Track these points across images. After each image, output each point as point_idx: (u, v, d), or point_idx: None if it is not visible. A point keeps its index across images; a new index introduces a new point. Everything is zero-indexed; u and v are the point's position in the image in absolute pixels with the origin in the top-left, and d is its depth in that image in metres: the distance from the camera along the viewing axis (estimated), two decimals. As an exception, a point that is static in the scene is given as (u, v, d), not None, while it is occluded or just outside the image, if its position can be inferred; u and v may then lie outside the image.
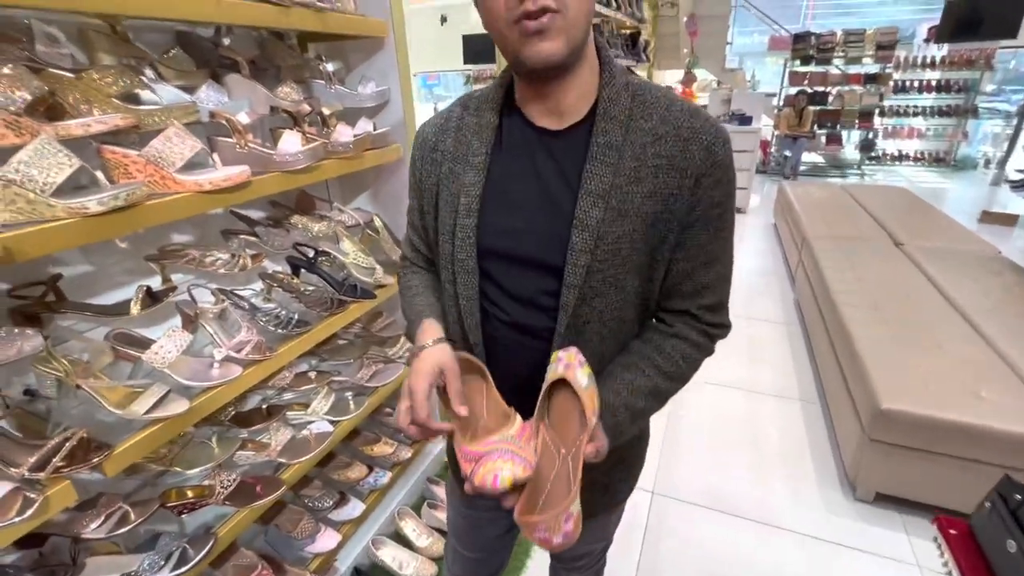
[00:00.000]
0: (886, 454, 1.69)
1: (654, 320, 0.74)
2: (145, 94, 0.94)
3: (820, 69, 7.42)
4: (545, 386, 0.64)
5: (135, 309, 1.00)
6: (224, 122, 1.02)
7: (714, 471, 1.98)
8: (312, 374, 1.47)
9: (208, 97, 1.04)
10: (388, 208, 1.62)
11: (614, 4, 3.67)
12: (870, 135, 7.76)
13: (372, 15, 1.35)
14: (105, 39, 0.96)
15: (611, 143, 0.62)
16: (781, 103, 7.54)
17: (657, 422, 2.20)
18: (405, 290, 0.86)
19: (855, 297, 2.37)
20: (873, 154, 7.89)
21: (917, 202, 4.05)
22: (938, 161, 7.76)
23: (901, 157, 7.90)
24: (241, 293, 1.26)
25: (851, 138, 7.96)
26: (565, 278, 0.64)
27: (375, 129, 1.38)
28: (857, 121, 7.42)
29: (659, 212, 0.62)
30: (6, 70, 0.74)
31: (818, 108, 7.31)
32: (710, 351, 0.73)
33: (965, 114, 7.33)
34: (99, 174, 0.83)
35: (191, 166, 0.94)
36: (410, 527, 1.68)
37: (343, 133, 1.26)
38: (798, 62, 7.39)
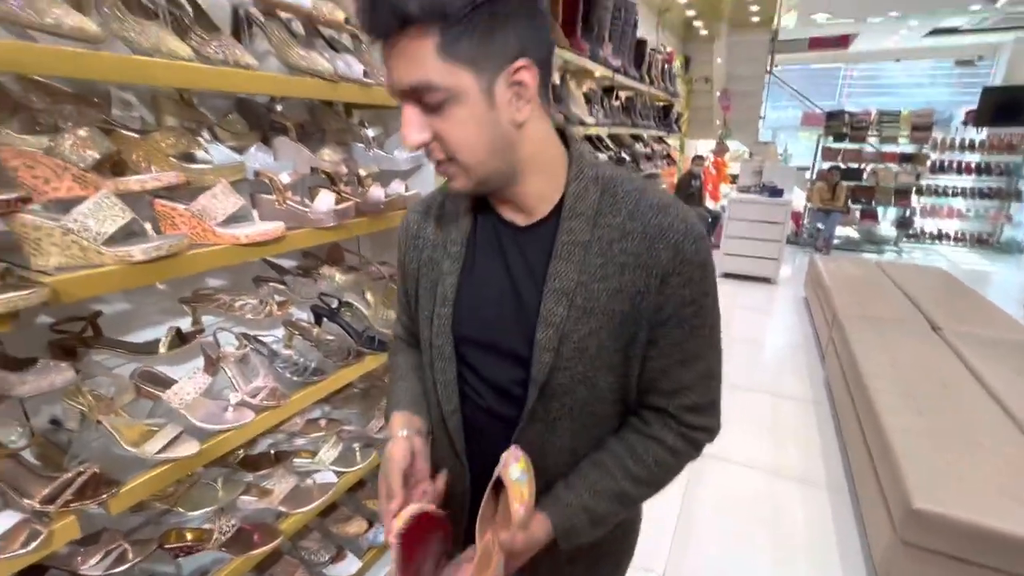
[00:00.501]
0: (920, 560, 1.56)
1: (633, 416, 0.71)
2: (199, 153, 1.03)
3: (854, 146, 7.47)
4: (488, 490, 0.64)
5: (163, 349, 1.05)
6: (267, 181, 1.10)
7: (732, 558, 1.86)
8: (323, 421, 1.49)
9: (256, 158, 1.13)
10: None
11: (647, 80, 3.84)
12: (907, 213, 7.66)
13: (413, 88, 1.46)
14: (172, 104, 1.07)
15: (576, 240, 0.61)
16: (814, 177, 7.57)
17: (670, 495, 2.11)
18: (391, 369, 0.88)
19: (888, 382, 2.27)
20: (911, 232, 7.74)
21: (956, 284, 3.92)
22: (980, 242, 7.55)
23: (940, 236, 7.72)
24: (264, 339, 1.31)
25: (887, 214, 7.87)
26: (531, 373, 0.64)
27: (407, 191, 1.46)
28: (893, 198, 7.36)
29: (627, 311, 0.61)
30: (82, 132, 0.84)
31: (852, 184, 7.30)
32: (691, 456, 0.70)
33: (1008, 197, 7.19)
34: (148, 225, 0.90)
35: (232, 219, 1.01)
36: None
37: (376, 193, 1.34)
38: (831, 138, 7.46)
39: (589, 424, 0.68)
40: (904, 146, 7.35)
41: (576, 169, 0.64)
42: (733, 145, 8.12)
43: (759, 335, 4.08)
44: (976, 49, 8.18)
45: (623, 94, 3.78)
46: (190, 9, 0.98)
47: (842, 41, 8.54)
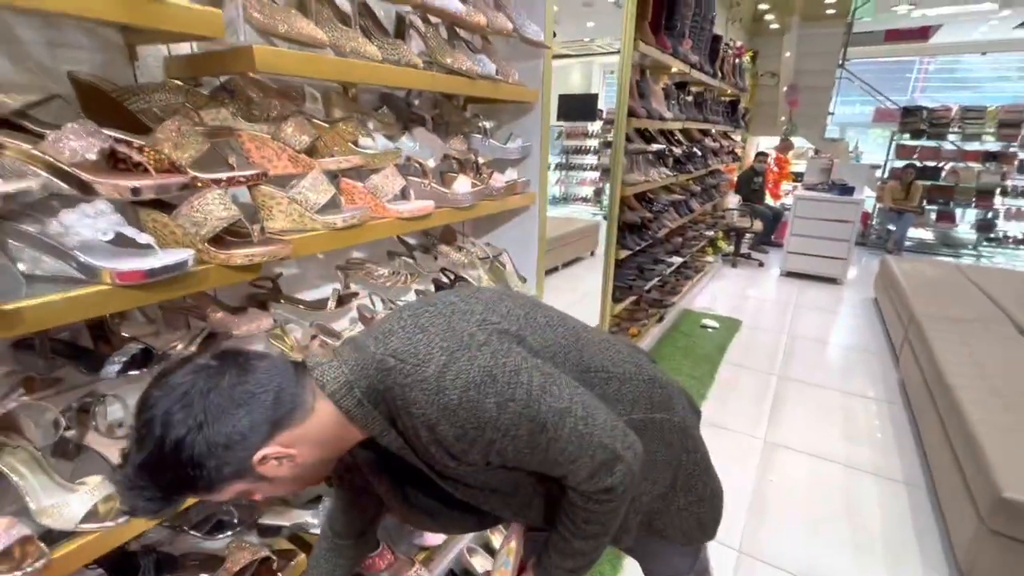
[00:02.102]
0: (1008, 549, 1.58)
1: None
2: (365, 141, 1.21)
3: (932, 143, 7.09)
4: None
5: (331, 305, 1.24)
6: (417, 165, 1.27)
7: (808, 542, 1.92)
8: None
9: (406, 146, 1.31)
10: (514, 246, 1.83)
11: (719, 74, 3.84)
12: (989, 215, 7.20)
13: (527, 84, 1.60)
14: (340, 98, 1.26)
15: (398, 447, 0.70)
16: (886, 175, 7.25)
17: (741, 479, 2.18)
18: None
19: (971, 380, 2.24)
20: (992, 235, 7.28)
21: (1046, 290, 3.72)
22: (1073, 249, 7.01)
23: (1027, 241, 7.22)
24: (399, 304, 1.49)
25: (966, 216, 7.43)
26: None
27: (518, 177, 1.61)
28: (974, 199, 6.94)
29: (452, 455, 0.67)
30: (295, 120, 1.02)
31: (928, 183, 6.94)
32: (611, 505, 0.74)
33: (1106, 200, 6.65)
34: (342, 199, 1.08)
35: (392, 198, 1.18)
36: (497, 540, 1.78)
37: (496, 179, 1.49)
38: (907, 135, 7.12)
39: (551, 501, 0.82)
40: (989, 144, 6.92)
41: (347, 413, 0.66)
42: (798, 142, 7.87)
43: (826, 334, 4.02)
44: (1076, 40, 7.56)
45: (694, 89, 3.80)
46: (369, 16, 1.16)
47: (922, 33, 8.10)
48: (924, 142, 7.10)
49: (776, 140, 7.57)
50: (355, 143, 1.19)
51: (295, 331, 1.19)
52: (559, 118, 8.31)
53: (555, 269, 4.97)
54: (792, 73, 7.02)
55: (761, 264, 5.85)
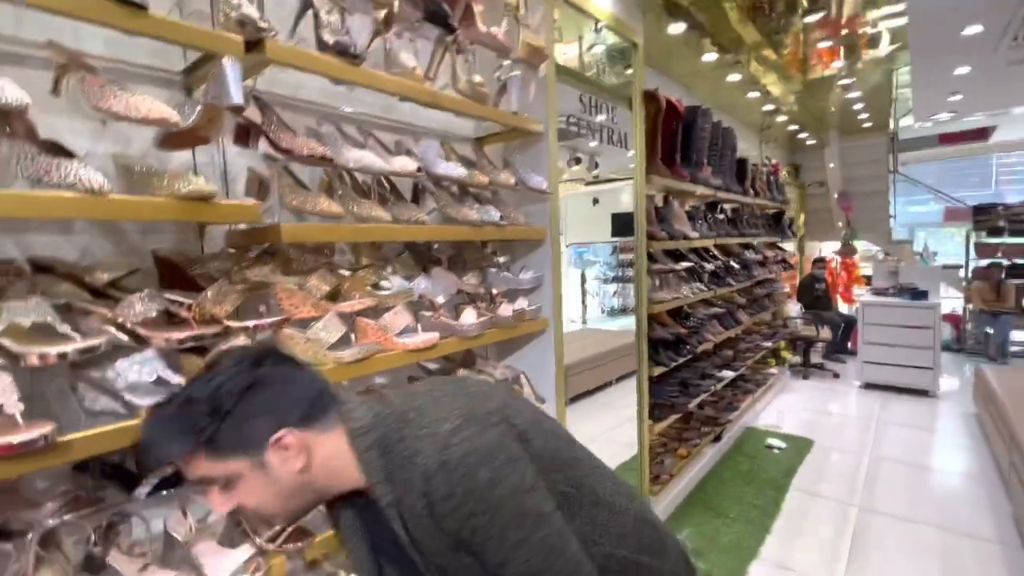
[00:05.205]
0: None
1: None
2: (383, 283, 1.41)
3: (1017, 240, 6.60)
4: None
5: (346, 431, 1.36)
6: (428, 302, 1.45)
7: None
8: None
9: (419, 284, 1.50)
10: (532, 368, 1.91)
11: (752, 193, 3.99)
12: (1108, 314, 6.34)
13: (535, 223, 1.81)
14: (367, 248, 1.50)
15: (387, 503, 0.71)
16: (970, 275, 6.73)
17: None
18: None
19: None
20: (1122, 335, 6.33)
21: None
22: None
23: None
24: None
25: (1084, 315, 6.57)
26: None
27: (529, 305, 1.74)
28: (1085, 296, 6.19)
29: (447, 543, 0.69)
30: (318, 275, 1.24)
31: (1023, 282, 6.33)
32: None
33: None
34: (352, 336, 1.25)
35: (403, 331, 1.34)
36: None
37: (506, 309, 1.64)
38: (985, 233, 6.70)
39: None
40: (1087, 237, 6.33)
41: (356, 450, 0.72)
42: (862, 245, 7.63)
43: (919, 457, 3.53)
44: None
45: (727, 207, 3.95)
46: (388, 187, 1.43)
47: (981, 133, 7.99)
48: (1007, 239, 6.63)
49: (838, 245, 7.39)
50: (375, 286, 1.39)
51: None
52: (613, 234, 8.72)
53: (608, 384, 4.89)
54: (841, 180, 7.06)
55: (836, 375, 5.41)
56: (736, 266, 3.66)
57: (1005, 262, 6.46)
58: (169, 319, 0.98)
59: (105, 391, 0.87)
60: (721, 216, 3.67)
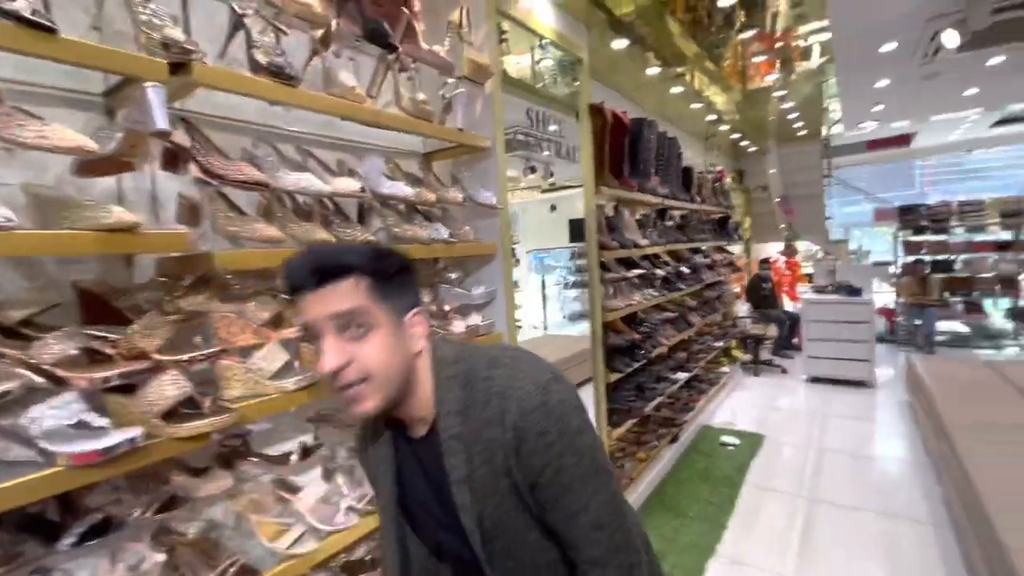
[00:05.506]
0: None
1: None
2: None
3: (939, 237, 7.14)
4: None
5: (294, 459, 1.32)
6: (376, 322, 1.43)
7: None
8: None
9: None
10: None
11: (698, 200, 4.15)
12: (1021, 303, 6.94)
13: (486, 238, 1.81)
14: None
15: (453, 434, 0.73)
16: (899, 271, 7.23)
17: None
18: None
19: (1013, 500, 2.03)
20: (1030, 322, 6.94)
21: (1091, 383, 3.46)
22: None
23: (1072, 326, 6.82)
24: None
25: (998, 306, 7.18)
26: (475, 550, 0.74)
27: (483, 320, 1.74)
28: (998, 288, 6.76)
29: (509, 485, 0.72)
30: (257, 301, 1.20)
31: (944, 276, 6.85)
32: None
33: None
34: (296, 363, 1.22)
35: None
36: None
37: (458, 325, 1.63)
38: (910, 231, 7.22)
39: (547, 571, 0.78)
40: (998, 234, 6.91)
41: (437, 375, 0.76)
42: (803, 245, 8.06)
43: (858, 446, 3.74)
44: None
45: (676, 213, 4.09)
46: (331, 207, 1.40)
47: (903, 140, 8.62)
48: (929, 237, 7.16)
49: (782, 246, 7.78)
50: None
51: (257, 489, 1.26)
52: (571, 240, 8.84)
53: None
54: (781, 185, 7.45)
55: (784, 371, 5.67)
56: (686, 271, 3.79)
57: (928, 258, 6.97)
58: (92, 357, 0.93)
59: (19, 439, 0.81)
60: (670, 223, 3.79)
